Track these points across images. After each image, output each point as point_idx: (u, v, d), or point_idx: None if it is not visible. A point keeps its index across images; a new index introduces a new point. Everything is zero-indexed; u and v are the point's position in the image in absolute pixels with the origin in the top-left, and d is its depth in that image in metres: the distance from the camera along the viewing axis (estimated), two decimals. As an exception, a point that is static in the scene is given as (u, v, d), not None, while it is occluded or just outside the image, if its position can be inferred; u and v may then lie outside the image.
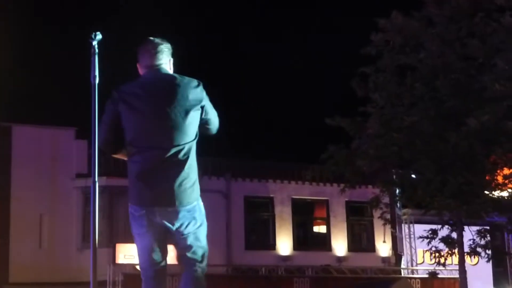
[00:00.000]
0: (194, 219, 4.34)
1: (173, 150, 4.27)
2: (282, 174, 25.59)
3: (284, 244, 25.22)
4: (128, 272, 19.17)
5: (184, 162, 4.29)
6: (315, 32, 34.09)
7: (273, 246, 25.16)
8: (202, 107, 4.40)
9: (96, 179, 4.38)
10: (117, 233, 21.15)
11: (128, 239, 20.11)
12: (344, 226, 25.87)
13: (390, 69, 17.90)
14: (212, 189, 23.45)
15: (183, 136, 4.29)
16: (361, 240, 26.63)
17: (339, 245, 25.57)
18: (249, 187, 25.16)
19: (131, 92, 4.40)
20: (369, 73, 18.06)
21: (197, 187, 4.34)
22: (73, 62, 24.31)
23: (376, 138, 17.78)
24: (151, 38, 4.63)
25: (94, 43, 4.46)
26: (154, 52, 4.52)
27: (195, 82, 4.44)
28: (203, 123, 4.46)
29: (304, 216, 26.28)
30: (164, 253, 4.35)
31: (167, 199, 4.23)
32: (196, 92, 4.39)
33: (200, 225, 4.37)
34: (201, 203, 4.40)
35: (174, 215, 4.26)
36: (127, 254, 20.01)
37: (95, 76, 4.50)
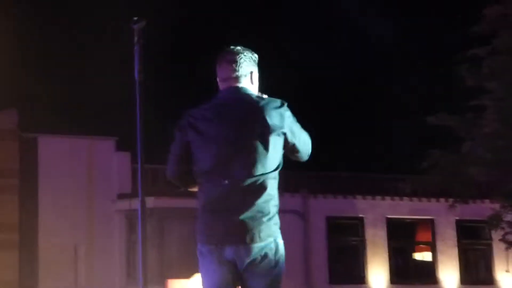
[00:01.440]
0: (268, 259, 4.56)
1: (247, 182, 4.55)
2: (374, 188, 25.68)
3: (378, 277, 25.31)
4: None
5: (258, 194, 4.55)
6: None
7: (363, 279, 25.23)
8: (285, 133, 4.65)
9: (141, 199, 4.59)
10: (169, 266, 21.32)
11: (183, 273, 20.32)
12: (454, 252, 25.65)
13: (510, 49, 17.73)
14: (285, 209, 23.39)
15: (259, 166, 4.57)
16: (477, 270, 26.42)
17: (449, 277, 25.35)
18: (332, 205, 25.29)
19: (200, 116, 4.72)
20: (482, 57, 17.93)
21: (275, 223, 4.57)
22: (113, 59, 24.87)
23: (494, 139, 17.61)
24: (231, 47, 4.87)
25: (135, 27, 4.88)
26: (231, 62, 4.79)
27: (277, 102, 4.69)
28: (289, 150, 4.76)
29: (403, 241, 26.40)
30: None
31: (237, 235, 4.50)
32: (277, 115, 4.62)
33: (275, 267, 4.58)
34: (281, 242, 4.63)
35: (245, 253, 4.51)
36: (184, 293, 20.15)
37: (139, 71, 4.76)
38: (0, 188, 22.49)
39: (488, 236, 25.00)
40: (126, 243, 22.47)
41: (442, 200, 24.07)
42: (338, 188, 25.47)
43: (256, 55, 4.93)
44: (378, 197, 25.49)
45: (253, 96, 4.76)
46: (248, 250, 4.52)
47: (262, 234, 4.53)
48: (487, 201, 22.63)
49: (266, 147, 4.59)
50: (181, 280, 20.40)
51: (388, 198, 25.46)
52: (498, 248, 23.39)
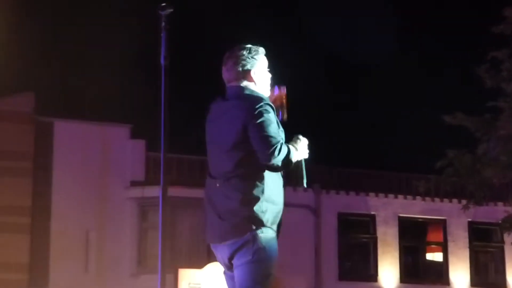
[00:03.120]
0: (244, 254, 4.73)
1: (221, 181, 4.82)
2: (387, 186, 25.68)
3: (388, 275, 25.28)
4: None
5: (231, 193, 4.77)
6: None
7: (374, 277, 25.26)
8: (247, 130, 4.80)
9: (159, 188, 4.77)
10: (180, 255, 21.45)
11: (193, 263, 20.42)
12: (466, 253, 25.61)
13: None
14: (297, 204, 23.61)
15: (228, 163, 4.80)
16: (488, 272, 26.41)
17: (460, 278, 25.33)
18: (344, 201, 25.30)
19: (207, 118, 5.14)
20: (501, 59, 17.98)
21: (250, 219, 4.72)
22: (130, 45, 24.94)
23: (510, 142, 17.66)
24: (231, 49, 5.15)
25: (163, 13, 5.02)
26: (224, 65, 5.11)
27: (250, 101, 4.88)
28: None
29: (414, 240, 26.38)
30: None
31: (213, 235, 4.88)
32: (246, 111, 4.81)
33: (251, 262, 4.71)
34: (262, 234, 4.74)
35: (225, 252, 4.81)
36: (192, 282, 20.22)
37: (165, 57, 4.92)
38: (14, 171, 22.70)
39: (500, 238, 25.04)
40: (138, 230, 22.61)
41: (455, 201, 24.13)
42: (351, 184, 25.52)
43: (258, 52, 5.09)
44: (391, 195, 25.49)
45: (238, 95, 4.96)
46: (227, 249, 4.74)
47: (235, 232, 4.69)
48: (500, 203, 22.69)
49: (238, 145, 4.76)
50: (192, 269, 20.53)
51: (401, 196, 25.47)
52: (510, 251, 23.41)
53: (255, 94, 4.97)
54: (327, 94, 30.21)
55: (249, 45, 5.14)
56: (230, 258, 4.80)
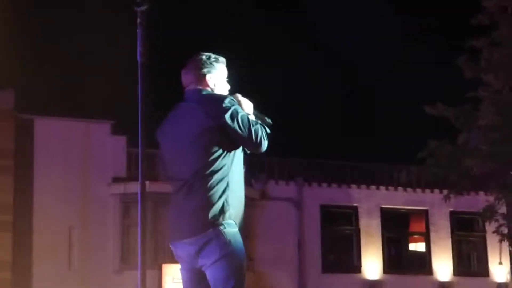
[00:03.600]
0: (210, 252, 4.81)
1: (182, 181, 4.93)
2: (369, 177, 25.76)
3: (372, 266, 25.35)
4: (177, 300, 19.44)
5: (192, 191, 4.90)
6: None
7: (357, 268, 25.32)
8: (221, 128, 4.87)
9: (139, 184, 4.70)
10: (163, 251, 21.42)
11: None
12: (448, 243, 25.82)
13: (508, 42, 17.82)
14: (280, 197, 23.79)
15: (189, 165, 4.90)
16: (470, 261, 26.64)
17: (442, 268, 25.49)
18: (327, 194, 25.32)
19: (161, 127, 5.24)
20: (480, 48, 18.05)
21: (211, 216, 4.82)
22: (111, 41, 24.92)
23: (490, 131, 17.72)
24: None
25: (138, 9, 5.00)
26: (182, 70, 5.22)
27: (218, 99, 4.97)
28: (234, 144, 4.97)
29: (397, 231, 26.48)
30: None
31: (175, 233, 4.97)
32: (207, 113, 4.89)
33: (219, 259, 4.79)
34: (225, 230, 4.82)
35: (188, 250, 4.91)
36: (176, 277, 20.24)
37: (141, 53, 4.93)
38: None
39: (482, 228, 25.20)
40: (121, 227, 22.60)
41: (436, 191, 24.28)
42: (334, 176, 25.56)
43: (218, 60, 5.20)
44: (373, 187, 25.62)
45: (196, 97, 5.07)
46: (190, 246, 4.85)
47: (196, 228, 4.81)
48: (481, 193, 22.88)
49: (198, 146, 4.87)
50: (175, 265, 20.55)
51: (382, 188, 25.60)
52: (491, 240, 23.52)
53: (212, 93, 5.07)
54: (308, 87, 30.24)
55: (209, 53, 5.22)
56: (194, 256, 4.89)
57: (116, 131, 23.66)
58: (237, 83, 5.43)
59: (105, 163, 23.27)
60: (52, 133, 23.18)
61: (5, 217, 22.33)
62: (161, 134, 5.19)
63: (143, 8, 5.08)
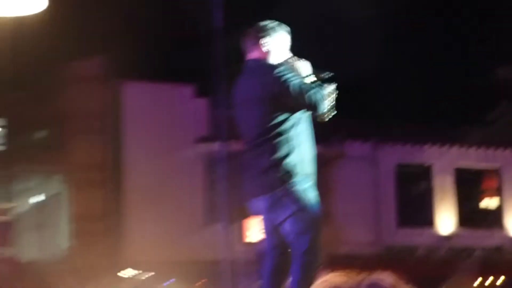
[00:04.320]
0: (284, 208, 4.87)
1: (253, 142, 4.98)
2: (442, 137, 25.58)
3: (446, 221, 25.38)
4: (259, 250, 19.64)
5: (262, 152, 4.95)
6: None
7: (431, 222, 25.39)
8: (278, 93, 4.90)
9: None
10: (243, 208, 21.71)
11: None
12: (520, 199, 25.81)
13: None
14: (355, 156, 23.96)
15: (258, 127, 4.95)
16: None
17: (514, 223, 25.43)
18: (401, 153, 25.37)
19: (232, 91, 5.27)
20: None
21: (282, 174, 4.87)
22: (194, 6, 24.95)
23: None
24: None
25: None
26: (241, 40, 5.19)
27: (271, 67, 4.98)
28: (294, 107, 4.99)
29: (470, 188, 26.32)
30: (276, 239, 4.99)
31: (251, 191, 5.05)
32: (271, 77, 4.90)
33: (294, 213, 4.85)
34: (296, 187, 4.87)
35: (262, 206, 4.95)
36: (256, 229, 20.42)
37: (219, 19, 4.97)
38: (87, 130, 23.21)
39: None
40: (205, 183, 22.98)
41: (509, 149, 24.05)
42: (408, 136, 25.52)
43: (276, 29, 5.15)
44: (447, 146, 25.51)
45: (253, 68, 5.12)
46: (266, 202, 4.90)
47: (269, 186, 4.87)
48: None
49: (260, 113, 4.91)
50: (255, 218, 20.77)
51: (456, 147, 25.49)
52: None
53: (267, 64, 5.09)
54: (385, 51, 29.86)
55: (267, 21, 5.20)
56: (269, 212, 5.01)
57: (199, 93, 23.85)
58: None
59: (189, 124, 23.60)
60: (139, 96, 23.58)
61: (97, 174, 22.93)
62: (233, 99, 5.29)
63: None
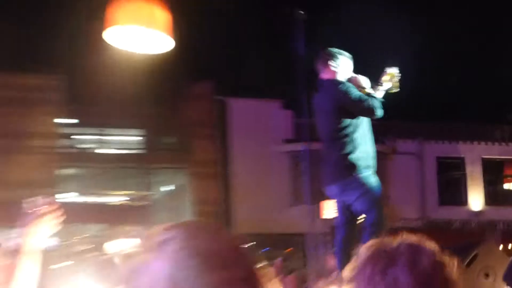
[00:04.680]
0: (353, 191, 4.85)
1: (328, 141, 5.01)
2: (472, 134, 24.62)
3: (476, 200, 24.44)
4: (332, 225, 19.36)
5: (334, 149, 4.95)
6: None
7: (465, 202, 24.45)
8: (343, 104, 4.85)
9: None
10: (320, 192, 21.34)
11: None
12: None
13: None
14: (405, 151, 23.22)
15: (331, 130, 4.93)
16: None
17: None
18: (441, 148, 24.43)
19: (312, 102, 5.23)
20: None
21: (350, 167, 4.86)
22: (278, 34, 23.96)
23: None
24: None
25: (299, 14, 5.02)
26: (316, 63, 5.14)
27: (337, 83, 4.91)
28: (355, 112, 4.91)
29: (494, 175, 25.23)
30: (346, 216, 5.01)
31: (327, 180, 5.13)
32: (335, 96, 4.88)
33: (361, 195, 4.83)
34: (361, 175, 4.85)
35: (335, 190, 5.00)
36: (330, 209, 20.12)
37: (301, 49, 4.88)
38: (203, 136, 22.73)
39: None
40: (292, 174, 22.54)
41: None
42: (446, 135, 24.54)
43: (339, 57, 5.02)
44: (476, 142, 24.56)
45: (326, 84, 5.00)
46: (336, 188, 4.95)
47: (341, 176, 4.88)
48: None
49: (332, 119, 4.87)
50: (329, 201, 20.40)
51: (483, 142, 24.51)
52: None
53: (335, 81, 4.94)
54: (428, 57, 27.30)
55: (334, 49, 5.06)
56: (341, 195, 4.95)
57: (285, 106, 23.39)
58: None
59: (278, 130, 23.18)
60: (240, 109, 23.23)
61: (211, 169, 22.60)
62: (312, 109, 5.15)
63: (301, 15, 4.96)
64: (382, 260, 1.52)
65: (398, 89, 5.10)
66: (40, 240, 2.30)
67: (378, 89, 5.03)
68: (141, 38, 6.21)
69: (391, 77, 5.08)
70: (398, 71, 5.12)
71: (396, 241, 1.58)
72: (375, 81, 5.08)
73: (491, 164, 24.93)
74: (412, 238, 1.59)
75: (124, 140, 23.18)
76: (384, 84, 5.04)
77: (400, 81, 5.13)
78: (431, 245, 1.54)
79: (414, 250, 1.55)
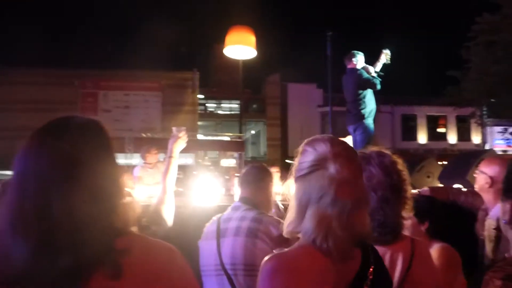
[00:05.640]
0: (358, 128, 6.28)
1: (349, 103, 6.52)
2: (422, 101, 29.21)
3: (422, 138, 29.82)
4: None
5: (352, 105, 6.40)
6: None
7: (416, 138, 29.55)
8: (359, 81, 6.39)
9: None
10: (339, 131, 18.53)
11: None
12: None
13: None
14: (384, 111, 27.15)
15: (351, 95, 6.61)
16: None
17: None
18: (403, 109, 29.16)
19: (343, 80, 6.81)
20: None
21: (360, 115, 6.36)
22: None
23: None
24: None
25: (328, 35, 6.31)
26: (345, 59, 6.70)
27: (356, 70, 6.45)
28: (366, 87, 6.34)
29: (433, 124, 30.17)
30: None
31: (348, 122, 6.61)
32: (355, 78, 6.51)
33: (362, 132, 6.09)
34: (365, 121, 6.33)
35: (353, 128, 6.43)
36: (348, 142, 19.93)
37: (330, 50, 6.58)
38: (273, 104, 28.05)
39: None
40: (321, 124, 27.67)
41: None
42: (408, 101, 29.54)
43: (357, 56, 6.55)
44: (424, 106, 29.28)
45: (349, 71, 6.51)
46: (353, 127, 6.40)
47: (355, 119, 6.27)
48: None
49: (354, 90, 6.41)
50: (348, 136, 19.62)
51: (427, 106, 29.08)
52: None
53: (355, 69, 6.51)
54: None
55: (355, 51, 6.49)
56: (353, 132, 6.36)
57: (319, 86, 28.62)
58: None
59: (315, 100, 28.32)
60: (294, 89, 28.66)
61: (276, 121, 27.76)
62: (342, 83, 6.54)
63: (330, 34, 6.44)
64: (362, 161, 1.87)
65: (389, 62, 6.46)
66: (178, 151, 3.19)
67: (379, 63, 6.39)
68: (241, 51, 8.61)
69: (385, 55, 6.60)
70: (389, 51, 6.46)
71: (369, 150, 1.99)
72: (376, 58, 6.35)
73: (431, 118, 31.08)
74: (377, 149, 1.99)
75: (231, 107, 30.60)
76: (381, 59, 6.51)
77: (391, 58, 6.49)
78: (389, 152, 1.94)
79: (380, 154, 1.95)
